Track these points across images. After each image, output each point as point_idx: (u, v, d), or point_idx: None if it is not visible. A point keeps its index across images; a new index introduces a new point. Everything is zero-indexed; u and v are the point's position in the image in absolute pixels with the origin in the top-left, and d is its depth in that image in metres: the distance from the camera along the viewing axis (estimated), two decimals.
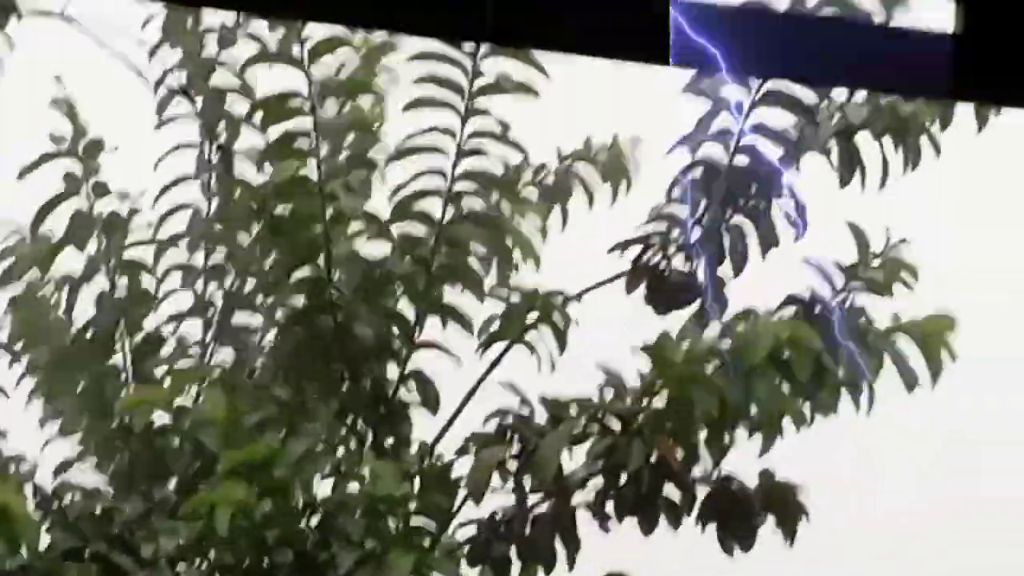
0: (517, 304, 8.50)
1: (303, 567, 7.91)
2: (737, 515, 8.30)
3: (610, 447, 8.10)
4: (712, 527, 8.35)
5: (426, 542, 8.03)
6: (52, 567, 8.02)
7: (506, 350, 8.54)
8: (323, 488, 8.13)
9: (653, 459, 8.09)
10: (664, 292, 8.44)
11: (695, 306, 8.41)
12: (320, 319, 8.57)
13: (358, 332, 8.54)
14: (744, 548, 8.31)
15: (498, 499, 8.38)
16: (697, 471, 8.29)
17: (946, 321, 8.32)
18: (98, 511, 8.27)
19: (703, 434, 8.17)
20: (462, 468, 8.34)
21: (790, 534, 8.32)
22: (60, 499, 8.31)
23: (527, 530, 8.31)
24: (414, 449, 8.52)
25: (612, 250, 8.54)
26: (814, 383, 8.11)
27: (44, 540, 8.07)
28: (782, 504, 8.29)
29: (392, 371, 8.65)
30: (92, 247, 8.83)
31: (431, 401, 8.62)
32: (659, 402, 8.14)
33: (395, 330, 8.63)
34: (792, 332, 8.02)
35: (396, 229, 8.66)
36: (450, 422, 8.53)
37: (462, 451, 8.33)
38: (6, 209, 8.84)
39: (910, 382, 8.28)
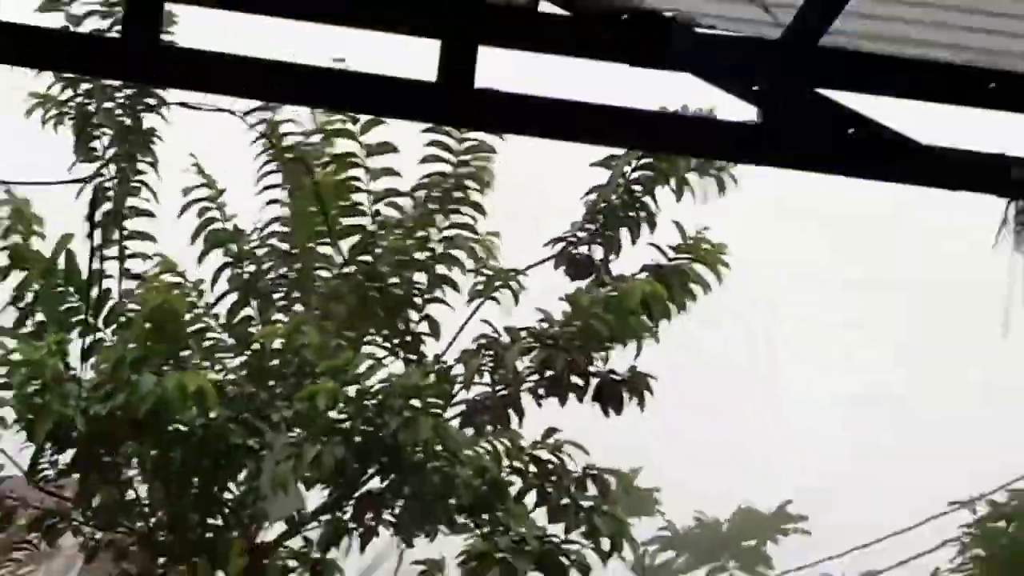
0: (490, 275, 9.62)
1: (366, 428, 9.01)
2: (613, 394, 9.50)
3: (546, 357, 9.30)
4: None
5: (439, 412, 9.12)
6: (221, 427, 9.10)
7: (481, 304, 9.63)
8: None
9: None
10: (576, 267, 9.61)
11: (593, 276, 9.60)
12: (369, 285, 9.64)
13: (393, 292, 9.66)
14: (617, 412, 9.47)
15: (478, 388, 9.56)
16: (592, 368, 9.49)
17: (719, 246, 9.46)
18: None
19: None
20: (459, 369, 9.50)
21: (641, 403, 9.50)
22: (224, 388, 9.33)
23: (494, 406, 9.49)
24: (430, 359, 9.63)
25: (547, 244, 9.71)
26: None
27: None
28: (640, 386, 9.49)
29: (413, 315, 9.73)
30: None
31: (436, 332, 9.74)
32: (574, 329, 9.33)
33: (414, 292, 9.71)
34: (652, 289, 9.23)
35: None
36: (450, 344, 9.66)
37: (458, 360, 9.51)
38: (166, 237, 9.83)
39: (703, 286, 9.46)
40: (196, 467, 9.14)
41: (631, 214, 9.49)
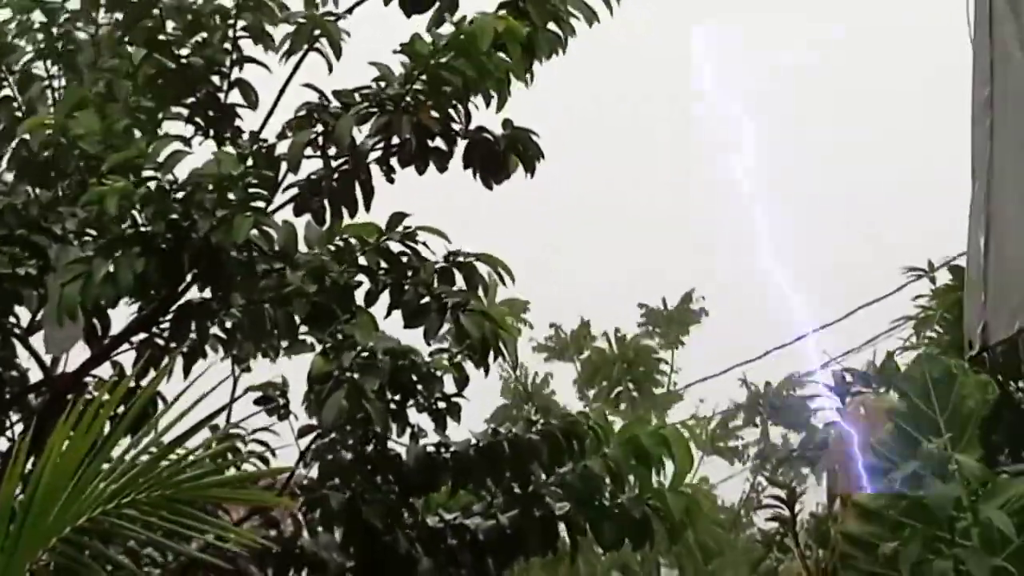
0: (303, 23, 7.58)
1: (173, 232, 7.13)
2: (490, 157, 7.62)
3: (386, 123, 7.34)
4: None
5: (262, 204, 7.23)
6: None
7: (302, 58, 7.60)
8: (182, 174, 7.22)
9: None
10: None
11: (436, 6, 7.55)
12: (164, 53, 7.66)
13: (192, 61, 7.70)
14: (498, 181, 7.65)
15: (312, 165, 7.60)
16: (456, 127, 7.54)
17: None
18: (19, 204, 7.50)
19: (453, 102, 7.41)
20: (283, 148, 7.50)
21: (530, 169, 7.65)
22: None
23: (334, 184, 7.55)
24: (247, 137, 7.67)
25: None
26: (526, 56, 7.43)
27: None
28: (525, 146, 7.64)
29: (220, 82, 7.74)
30: None
31: (252, 101, 7.78)
32: (419, 85, 7.34)
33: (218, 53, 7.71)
34: (507, 25, 7.25)
35: None
36: (270, 114, 7.66)
37: (281, 135, 7.50)
38: None
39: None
40: None
41: None
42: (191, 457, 5.78)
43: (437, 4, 7.44)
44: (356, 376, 7.19)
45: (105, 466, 5.38)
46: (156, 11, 7.55)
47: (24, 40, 7.88)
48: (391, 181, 7.63)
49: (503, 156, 7.64)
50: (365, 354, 7.29)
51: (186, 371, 7.85)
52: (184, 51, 7.61)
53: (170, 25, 7.61)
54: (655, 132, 24.27)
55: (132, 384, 7.66)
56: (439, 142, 7.55)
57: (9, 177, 7.74)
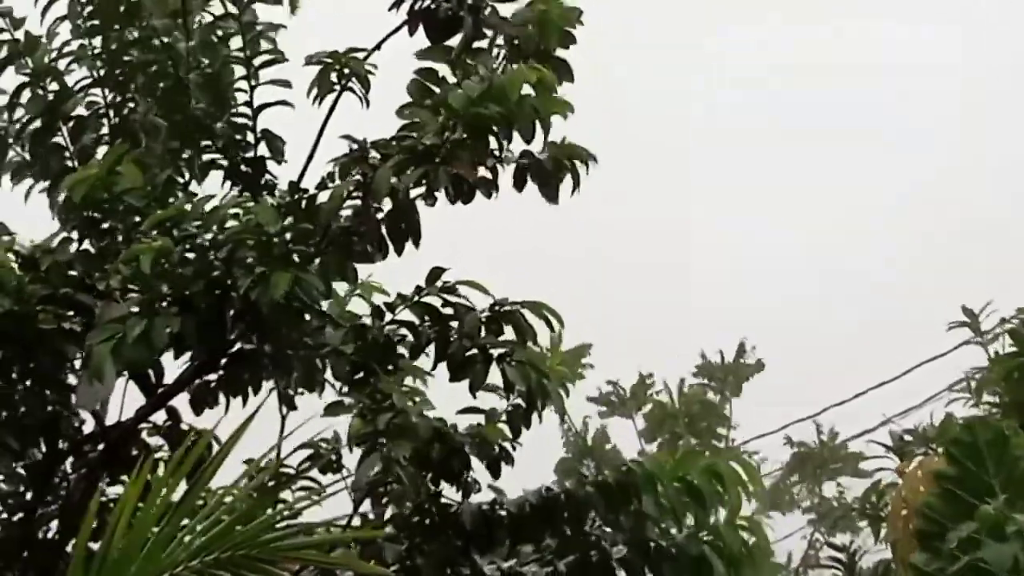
0: (328, 62, 7.44)
1: (213, 291, 7.06)
2: (543, 175, 7.30)
3: (424, 173, 7.09)
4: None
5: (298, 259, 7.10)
6: (31, 311, 7.21)
7: (334, 105, 7.46)
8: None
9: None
10: (438, 25, 7.40)
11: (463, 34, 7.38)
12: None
13: (215, 128, 7.76)
14: (554, 201, 7.32)
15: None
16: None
17: None
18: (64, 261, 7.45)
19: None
20: (323, 197, 7.26)
21: (576, 186, 7.35)
22: (36, 259, 7.41)
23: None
24: (284, 186, 7.57)
25: (391, 8, 7.47)
26: None
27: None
28: (577, 157, 7.33)
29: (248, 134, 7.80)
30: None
31: (278, 154, 7.80)
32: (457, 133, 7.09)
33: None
34: (539, 76, 7.05)
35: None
36: (307, 164, 7.53)
37: (321, 185, 7.30)
38: None
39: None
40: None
41: None
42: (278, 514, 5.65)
43: (461, 33, 7.26)
44: (388, 442, 7.03)
45: (185, 521, 5.28)
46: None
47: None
48: (431, 205, 7.31)
49: (555, 173, 7.34)
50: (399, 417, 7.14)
51: (243, 401, 7.75)
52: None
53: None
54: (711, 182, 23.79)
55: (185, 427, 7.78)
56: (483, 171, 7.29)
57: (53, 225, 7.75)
